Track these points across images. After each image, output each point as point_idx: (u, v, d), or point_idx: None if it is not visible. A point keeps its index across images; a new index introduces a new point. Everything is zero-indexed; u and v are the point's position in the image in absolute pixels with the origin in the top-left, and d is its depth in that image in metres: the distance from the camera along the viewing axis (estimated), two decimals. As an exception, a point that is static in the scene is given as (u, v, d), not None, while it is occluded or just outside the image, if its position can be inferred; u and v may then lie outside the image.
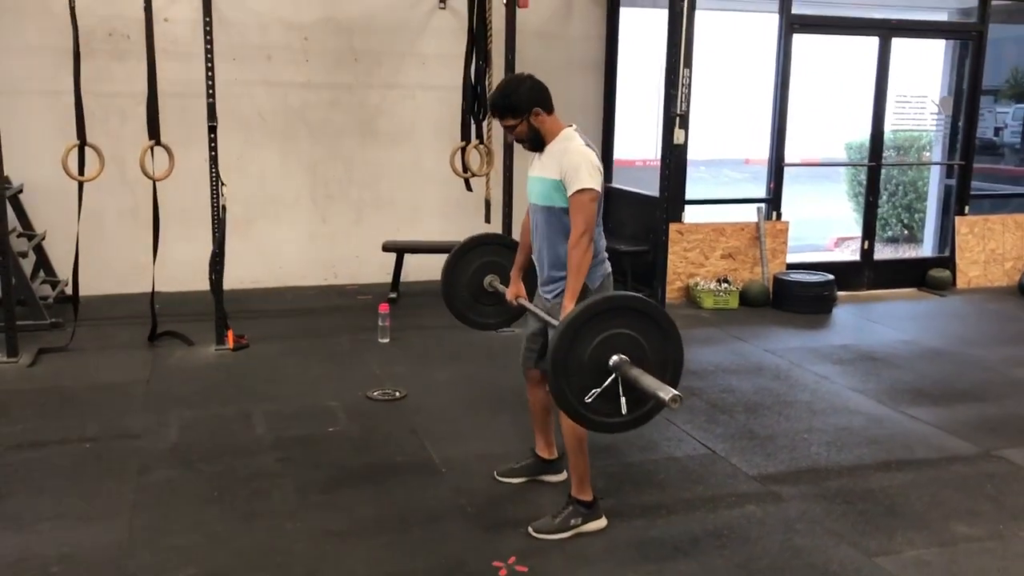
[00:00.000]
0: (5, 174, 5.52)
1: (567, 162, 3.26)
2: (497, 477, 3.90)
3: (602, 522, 3.51)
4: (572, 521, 3.44)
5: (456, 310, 4.05)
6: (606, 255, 3.50)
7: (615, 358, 2.93)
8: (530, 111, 3.32)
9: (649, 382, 2.84)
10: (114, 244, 6.92)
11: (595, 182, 3.24)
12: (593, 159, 3.28)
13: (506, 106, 3.34)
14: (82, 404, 4.73)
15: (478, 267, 3.99)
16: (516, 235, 6.25)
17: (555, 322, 3.18)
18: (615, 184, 8.20)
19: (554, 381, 2.94)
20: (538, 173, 3.42)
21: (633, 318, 2.97)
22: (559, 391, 2.95)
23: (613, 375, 2.93)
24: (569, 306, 3.19)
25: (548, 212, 3.38)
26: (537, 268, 3.58)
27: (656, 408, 3.00)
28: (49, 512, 3.51)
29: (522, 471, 3.91)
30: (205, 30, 5.41)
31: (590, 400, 2.94)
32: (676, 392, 2.77)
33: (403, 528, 3.46)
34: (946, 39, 8.30)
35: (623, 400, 2.94)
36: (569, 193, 3.25)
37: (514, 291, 3.75)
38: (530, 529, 3.44)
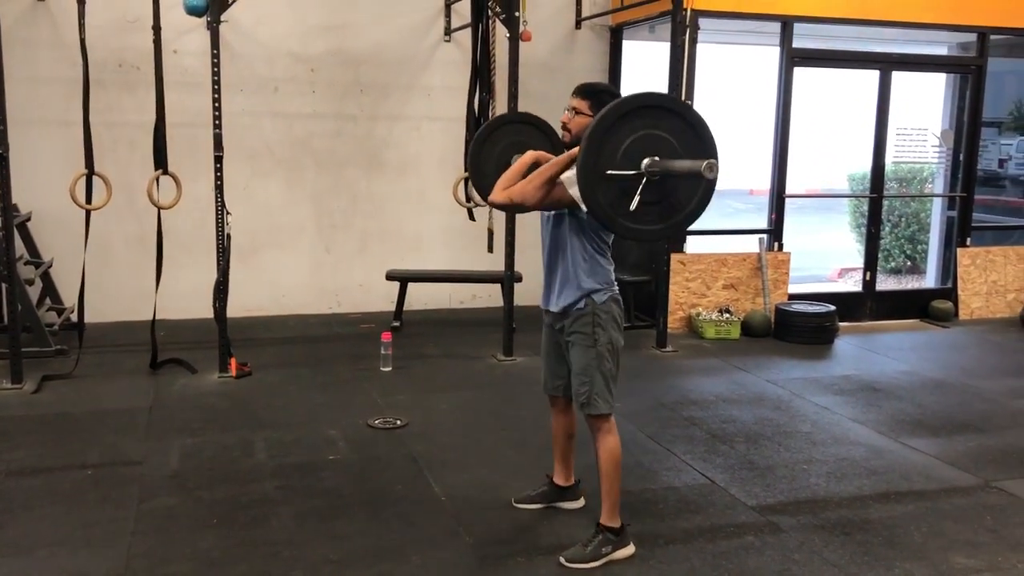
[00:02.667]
0: (14, 202, 5.61)
1: None
2: (515, 504, 3.91)
3: (631, 549, 3.49)
4: (603, 549, 3.42)
5: (484, 190, 4.00)
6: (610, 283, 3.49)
7: (647, 161, 2.95)
8: (598, 115, 3.19)
9: (682, 164, 2.88)
10: (121, 272, 6.98)
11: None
12: None
13: (596, 96, 3.36)
14: (84, 431, 4.75)
15: (505, 147, 3.97)
16: (524, 263, 6.37)
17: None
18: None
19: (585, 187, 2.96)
20: None
21: (663, 118, 2.98)
22: (593, 199, 2.97)
23: (642, 174, 2.94)
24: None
25: (563, 219, 3.39)
26: (545, 283, 3.55)
27: (687, 217, 3.07)
28: (48, 538, 3.53)
29: (539, 498, 3.91)
30: (213, 62, 5.49)
31: (611, 175, 2.93)
32: (709, 160, 2.79)
33: (401, 558, 3.46)
34: (946, 73, 8.37)
35: (636, 199, 2.94)
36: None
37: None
38: (562, 559, 3.41)
